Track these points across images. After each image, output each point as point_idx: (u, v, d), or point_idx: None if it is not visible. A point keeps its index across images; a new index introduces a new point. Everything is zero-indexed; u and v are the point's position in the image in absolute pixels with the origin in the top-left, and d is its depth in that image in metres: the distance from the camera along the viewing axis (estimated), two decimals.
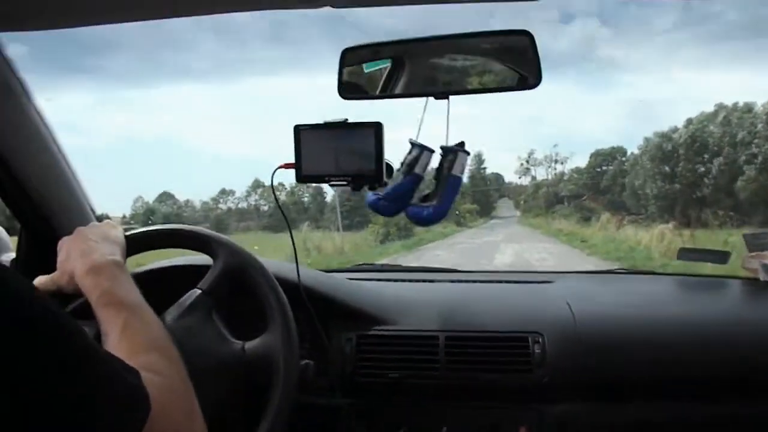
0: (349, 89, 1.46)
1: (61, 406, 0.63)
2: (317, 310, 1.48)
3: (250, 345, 1.25)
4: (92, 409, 0.67)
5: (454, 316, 1.61)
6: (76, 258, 1.09)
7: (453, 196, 1.48)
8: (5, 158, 1.42)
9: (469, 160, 1.51)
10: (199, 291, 1.28)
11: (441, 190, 1.48)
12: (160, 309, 1.29)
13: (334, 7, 1.13)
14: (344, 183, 1.39)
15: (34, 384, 0.61)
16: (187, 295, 1.28)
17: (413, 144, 1.47)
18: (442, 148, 1.48)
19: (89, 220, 1.66)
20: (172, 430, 0.81)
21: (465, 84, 1.45)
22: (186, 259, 1.57)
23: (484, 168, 52.43)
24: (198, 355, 1.21)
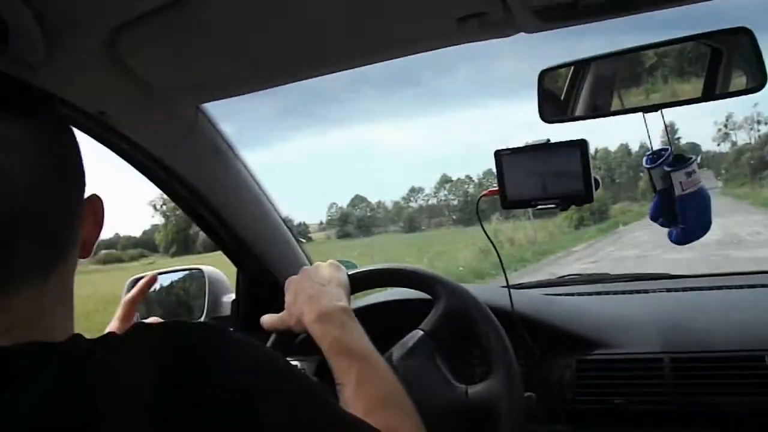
0: (550, 112, 1.40)
1: None
2: (533, 336, 1.44)
3: (473, 390, 1.23)
4: None
5: (677, 334, 1.50)
6: (304, 302, 1.11)
7: (690, 214, 1.36)
8: (218, 210, 1.52)
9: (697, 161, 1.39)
10: (422, 332, 1.28)
11: (690, 208, 1.36)
12: (378, 345, 1.33)
13: (527, 32, 1.09)
14: (552, 206, 1.35)
15: None
16: (410, 335, 1.29)
17: (647, 161, 1.39)
18: (673, 163, 1.36)
19: (299, 258, 1.73)
20: None
21: (678, 93, 1.34)
22: (400, 293, 1.59)
23: (678, 138, 49.70)
24: (421, 398, 1.22)
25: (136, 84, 1.19)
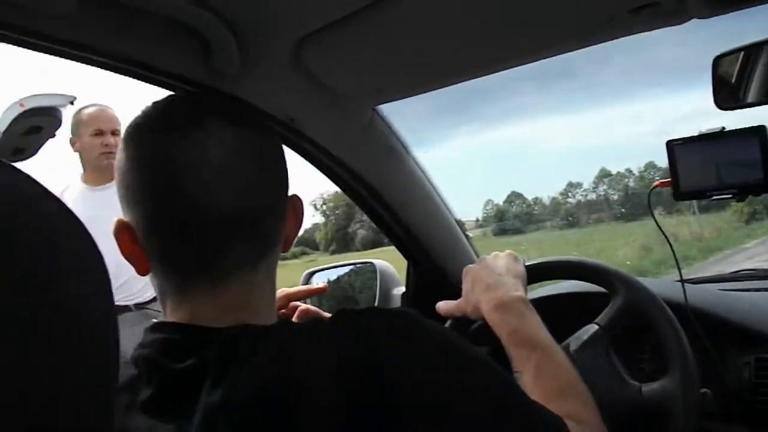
0: (725, 98, 1.36)
1: None
2: (708, 332, 1.40)
3: (647, 388, 1.21)
4: None
5: None
6: (482, 291, 1.14)
7: None
8: (392, 207, 1.59)
9: None
10: (597, 326, 1.28)
11: None
12: (555, 336, 1.35)
13: (701, 18, 1.07)
14: (729, 196, 1.30)
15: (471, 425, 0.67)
16: (585, 329, 1.29)
17: None
18: None
19: (467, 251, 1.78)
20: None
21: None
22: (576, 286, 1.59)
23: None
24: (594, 393, 1.22)
25: (320, 89, 1.28)
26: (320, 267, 2.14)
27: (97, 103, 3.04)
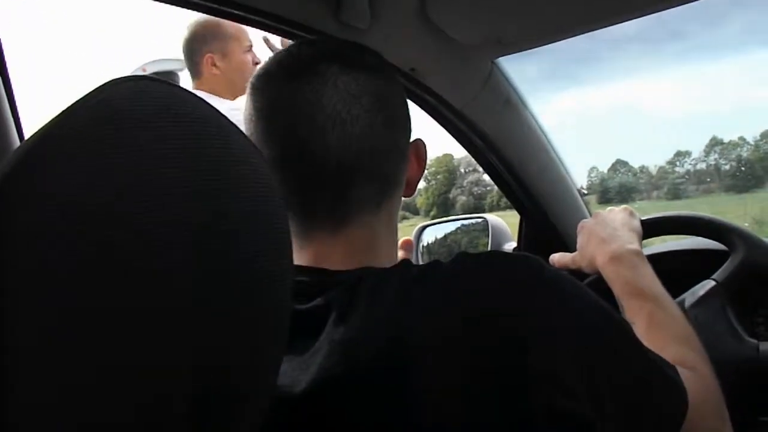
0: None
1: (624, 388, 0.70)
2: None
3: (765, 347, 1.20)
4: (646, 394, 0.73)
5: None
6: (597, 244, 1.15)
7: None
8: (509, 160, 1.61)
9: None
10: (714, 282, 1.27)
11: None
12: (669, 292, 1.34)
13: None
14: None
15: (603, 367, 0.68)
16: (701, 284, 1.28)
17: None
18: None
19: (580, 209, 1.78)
20: (705, 430, 0.83)
21: None
22: (695, 243, 1.57)
23: None
24: (709, 348, 1.22)
25: (442, 41, 1.30)
26: (431, 221, 2.18)
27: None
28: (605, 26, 1.28)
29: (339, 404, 0.62)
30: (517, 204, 1.76)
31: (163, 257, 0.42)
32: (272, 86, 0.80)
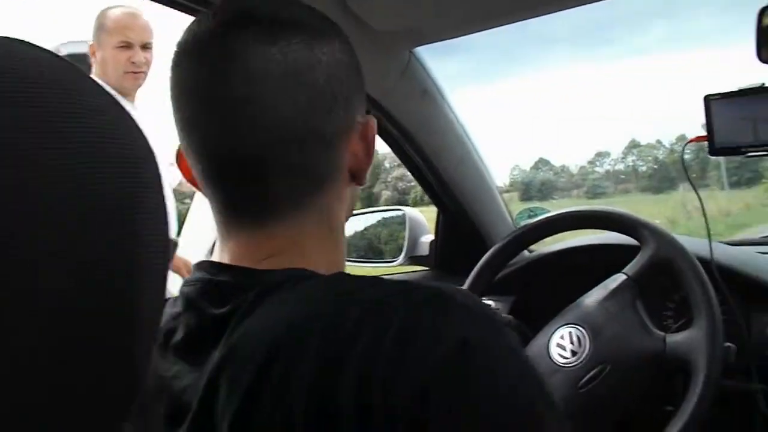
0: None
1: None
2: (734, 289, 1.41)
3: (672, 339, 1.23)
4: None
5: None
6: None
7: None
8: (426, 152, 1.60)
9: None
10: (625, 276, 1.30)
11: None
12: (579, 287, 1.36)
13: None
14: (764, 153, 1.29)
15: None
16: (612, 278, 1.31)
17: None
18: None
19: (497, 203, 1.79)
20: None
21: None
22: (607, 237, 1.59)
23: None
24: (617, 341, 1.24)
25: (359, 29, 1.28)
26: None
27: (128, 5, 2.38)
28: (523, 19, 1.28)
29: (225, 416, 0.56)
30: (433, 196, 1.75)
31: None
32: (182, 64, 0.68)
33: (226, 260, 0.70)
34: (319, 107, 0.68)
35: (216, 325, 0.62)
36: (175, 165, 0.76)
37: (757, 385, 1.39)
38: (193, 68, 0.67)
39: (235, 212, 0.70)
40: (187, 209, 3.00)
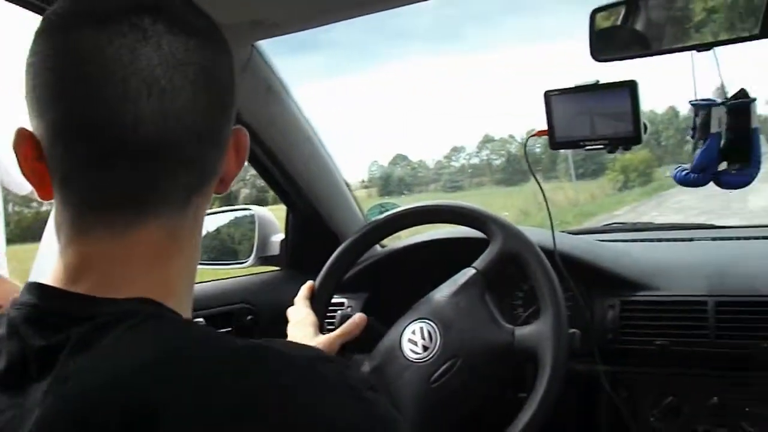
0: (601, 50, 1.39)
1: None
2: (576, 277, 1.46)
3: (520, 332, 1.26)
4: None
5: (721, 279, 1.50)
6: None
7: (758, 151, 1.33)
8: (272, 150, 1.56)
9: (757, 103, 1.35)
10: (474, 270, 1.32)
11: (744, 149, 1.34)
12: (430, 281, 1.37)
13: None
14: (600, 147, 1.34)
15: None
16: (462, 273, 1.33)
17: (696, 104, 1.37)
18: (729, 106, 1.33)
19: (347, 200, 1.78)
20: None
21: (724, 29, 1.32)
22: (456, 232, 1.62)
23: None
24: (467, 335, 1.26)
25: None
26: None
27: None
28: (368, 12, 1.27)
29: None
30: (282, 194, 1.72)
31: None
32: (71, 30, 0.61)
33: (68, 273, 0.63)
34: (224, 108, 0.68)
35: (40, 358, 0.56)
36: None
37: (601, 367, 1.46)
38: (96, 34, 0.60)
39: (103, 208, 0.63)
40: (36, 212, 2.81)
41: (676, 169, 1.40)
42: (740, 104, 1.32)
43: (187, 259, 0.69)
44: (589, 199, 24.99)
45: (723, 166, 1.37)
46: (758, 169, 1.33)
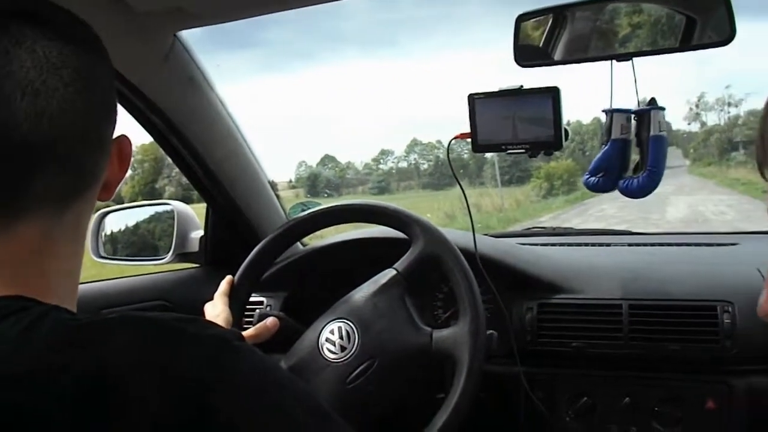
0: (525, 56, 1.40)
1: None
2: (496, 279, 1.47)
3: (438, 334, 1.27)
4: None
5: (636, 283, 1.54)
6: None
7: (660, 159, 1.35)
8: (193, 144, 1.52)
9: (665, 114, 1.38)
10: (395, 271, 1.32)
11: (645, 156, 1.36)
12: (351, 280, 1.37)
13: None
14: (522, 150, 1.35)
15: None
16: (383, 273, 1.33)
17: (606, 111, 1.39)
18: (634, 112, 1.37)
19: (269, 196, 1.75)
20: None
21: (647, 42, 1.36)
22: (378, 232, 1.61)
23: None
24: (385, 336, 1.26)
25: (118, 9, 1.19)
26: (114, 207, 2.02)
27: None
28: (292, 8, 1.25)
29: None
30: (202, 190, 1.68)
31: None
32: None
33: None
34: (102, 112, 0.70)
35: None
36: None
37: (520, 368, 1.47)
38: None
39: None
40: None
41: (586, 175, 1.42)
42: (641, 111, 1.36)
43: (66, 261, 0.70)
44: (514, 205, 25.45)
45: (630, 174, 1.40)
46: (654, 178, 1.35)
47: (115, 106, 0.74)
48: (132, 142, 0.77)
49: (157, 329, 0.60)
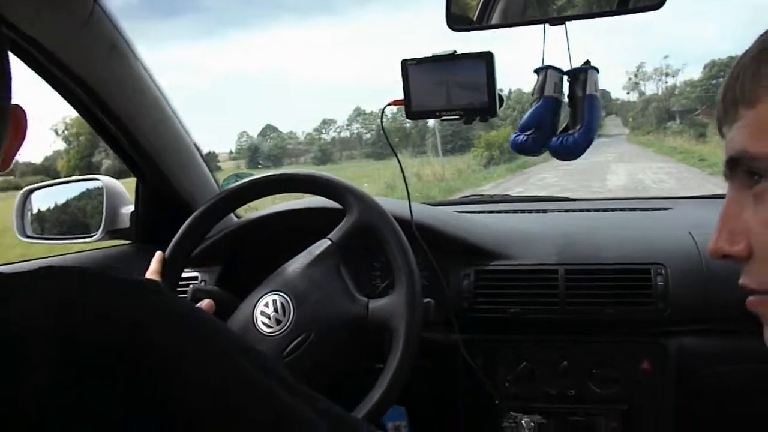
0: (457, 20, 1.38)
1: None
2: (433, 247, 1.47)
3: (374, 304, 1.26)
4: None
5: (572, 249, 1.56)
6: None
7: (594, 117, 1.35)
8: (117, 115, 1.46)
9: (600, 76, 1.37)
10: (330, 242, 1.30)
11: (579, 114, 1.36)
12: (287, 251, 1.35)
13: None
14: (456, 117, 1.34)
15: None
16: (317, 244, 1.31)
17: (537, 70, 1.38)
18: (567, 71, 1.36)
19: (201, 168, 1.70)
20: None
21: (583, 8, 1.35)
22: (312, 202, 1.60)
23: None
24: (322, 307, 1.25)
25: None
26: (40, 184, 1.93)
27: None
28: None
29: None
30: (130, 164, 1.62)
31: None
32: None
33: None
34: None
35: None
36: None
37: (458, 335, 1.48)
38: None
39: None
40: None
41: (514, 135, 1.41)
42: (577, 70, 1.35)
43: None
44: (455, 174, 25.59)
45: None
46: (589, 136, 1.34)
47: (7, 74, 0.70)
48: (26, 111, 0.73)
49: (80, 276, 0.57)
